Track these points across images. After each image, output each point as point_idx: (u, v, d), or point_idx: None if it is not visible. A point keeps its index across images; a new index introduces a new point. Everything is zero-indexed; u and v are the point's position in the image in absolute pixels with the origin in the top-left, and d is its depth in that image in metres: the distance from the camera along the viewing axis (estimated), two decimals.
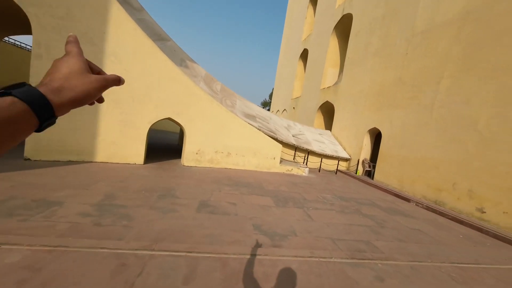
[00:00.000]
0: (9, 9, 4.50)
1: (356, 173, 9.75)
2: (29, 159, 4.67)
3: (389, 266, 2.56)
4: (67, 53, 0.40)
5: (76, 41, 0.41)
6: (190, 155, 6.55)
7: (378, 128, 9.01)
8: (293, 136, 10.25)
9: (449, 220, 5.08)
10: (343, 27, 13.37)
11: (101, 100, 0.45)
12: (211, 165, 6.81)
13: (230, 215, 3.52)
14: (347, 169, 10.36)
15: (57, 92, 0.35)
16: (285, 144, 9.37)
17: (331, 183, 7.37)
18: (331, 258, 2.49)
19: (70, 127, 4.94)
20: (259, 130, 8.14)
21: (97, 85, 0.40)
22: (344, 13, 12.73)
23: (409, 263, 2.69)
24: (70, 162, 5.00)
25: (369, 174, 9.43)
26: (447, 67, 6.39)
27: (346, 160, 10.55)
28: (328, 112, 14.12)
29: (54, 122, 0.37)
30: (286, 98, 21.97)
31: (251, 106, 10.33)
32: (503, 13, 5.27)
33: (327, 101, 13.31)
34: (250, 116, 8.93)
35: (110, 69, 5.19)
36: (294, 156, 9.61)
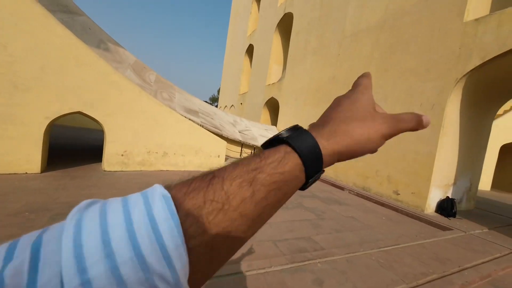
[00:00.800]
0: None
1: None
2: None
3: (327, 263, 2.51)
4: (355, 86, 0.33)
5: (370, 77, 0.35)
6: (113, 157, 5.39)
7: None
8: (239, 132, 9.98)
9: (375, 204, 5.74)
10: (285, 25, 13.80)
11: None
12: (142, 168, 5.81)
13: None
14: None
15: (329, 136, 0.28)
16: (231, 141, 9.00)
17: None
18: (270, 267, 2.25)
19: None
20: (202, 126, 7.49)
21: (384, 129, 0.30)
22: (286, 11, 13.11)
23: (345, 256, 2.72)
24: None
25: None
26: (370, 68, 7.20)
27: None
28: (273, 107, 14.47)
29: (319, 178, 0.29)
30: (233, 93, 21.59)
31: (193, 100, 9.50)
32: (409, 24, 6.20)
33: (272, 97, 13.57)
34: (191, 111, 8.14)
35: None
36: (241, 153, 9.36)
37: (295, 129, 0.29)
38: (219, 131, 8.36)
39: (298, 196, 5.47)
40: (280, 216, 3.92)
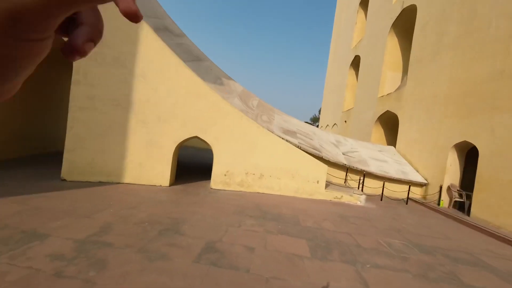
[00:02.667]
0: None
1: (439, 204, 7.13)
2: (65, 179, 4.86)
3: None
4: None
5: None
6: (218, 177, 5.88)
7: (470, 141, 6.45)
8: (343, 154, 8.52)
9: None
10: (403, 23, 11.22)
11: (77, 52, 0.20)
12: (241, 189, 5.95)
13: (239, 270, 2.46)
14: (424, 198, 7.76)
15: None
16: (333, 164, 7.76)
17: (400, 219, 5.35)
18: None
19: (99, 148, 5.03)
20: (299, 147, 6.94)
21: None
22: (405, 6, 10.69)
23: None
24: (100, 183, 5.01)
25: (461, 207, 6.72)
26: None
27: (421, 185, 7.98)
28: (389, 123, 11.63)
29: None
30: (336, 111, 19.91)
31: (291, 120, 9.27)
32: None
33: (387, 110, 10.99)
34: (289, 132, 7.86)
35: (139, 89, 5.19)
36: (346, 179, 7.82)
37: None
38: (318, 152, 7.45)
39: (444, 257, 3.48)
40: None
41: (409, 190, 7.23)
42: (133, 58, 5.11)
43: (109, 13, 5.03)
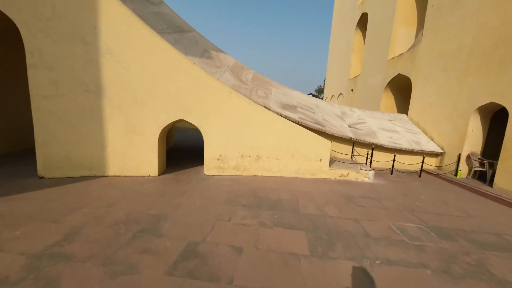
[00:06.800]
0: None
1: (456, 175, 6.51)
2: (43, 177, 4.50)
3: None
4: None
5: None
6: (211, 162, 5.40)
7: (498, 102, 5.56)
8: (349, 126, 7.79)
9: None
10: None
11: None
12: (237, 173, 5.48)
13: (219, 281, 2.04)
14: (439, 169, 7.13)
15: None
16: (339, 139, 7.10)
17: (412, 195, 4.82)
18: None
19: (74, 140, 4.54)
20: (299, 123, 6.26)
21: None
22: None
23: None
24: (82, 178, 4.64)
25: (482, 177, 6.08)
26: None
27: (436, 155, 7.30)
28: (401, 89, 10.55)
29: None
30: (341, 79, 18.50)
31: (291, 94, 8.42)
32: None
33: (399, 74, 9.85)
34: (288, 107, 7.11)
35: (108, 69, 4.50)
36: (352, 154, 7.21)
37: None
38: (321, 127, 6.76)
39: (468, 243, 2.98)
40: None
41: (423, 161, 6.58)
42: (95, 31, 4.32)
43: None
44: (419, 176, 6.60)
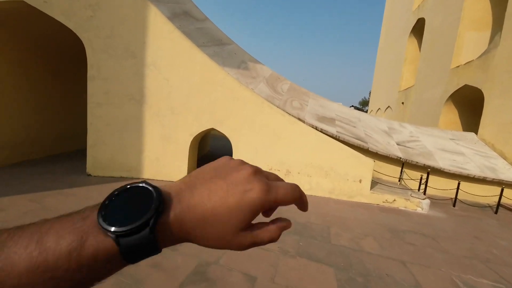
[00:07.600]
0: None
1: None
2: (90, 174, 5.01)
3: None
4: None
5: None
6: None
7: None
8: (398, 144, 6.77)
9: None
10: None
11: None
12: None
13: None
14: None
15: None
16: (384, 158, 6.20)
17: (487, 238, 3.73)
18: None
19: (118, 144, 4.97)
20: (337, 138, 5.68)
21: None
22: None
23: None
24: (121, 178, 5.02)
25: None
26: None
27: None
28: (467, 103, 8.85)
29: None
30: (390, 91, 16.77)
31: (329, 105, 7.84)
32: None
33: (465, 84, 8.30)
34: (325, 119, 6.58)
35: (151, 80, 4.87)
36: (401, 177, 6.17)
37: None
38: (363, 143, 6.01)
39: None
40: None
41: (501, 193, 5.16)
42: (143, 46, 4.75)
43: (117, 1, 4.77)
44: (495, 212, 5.18)
